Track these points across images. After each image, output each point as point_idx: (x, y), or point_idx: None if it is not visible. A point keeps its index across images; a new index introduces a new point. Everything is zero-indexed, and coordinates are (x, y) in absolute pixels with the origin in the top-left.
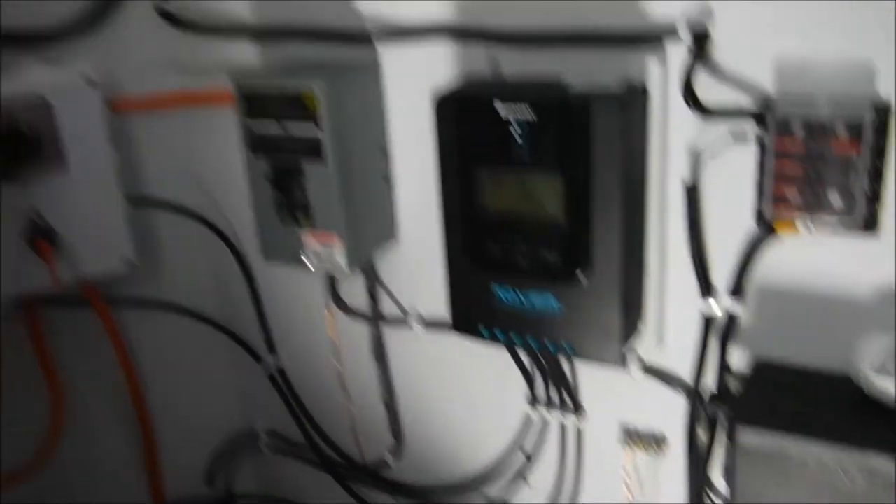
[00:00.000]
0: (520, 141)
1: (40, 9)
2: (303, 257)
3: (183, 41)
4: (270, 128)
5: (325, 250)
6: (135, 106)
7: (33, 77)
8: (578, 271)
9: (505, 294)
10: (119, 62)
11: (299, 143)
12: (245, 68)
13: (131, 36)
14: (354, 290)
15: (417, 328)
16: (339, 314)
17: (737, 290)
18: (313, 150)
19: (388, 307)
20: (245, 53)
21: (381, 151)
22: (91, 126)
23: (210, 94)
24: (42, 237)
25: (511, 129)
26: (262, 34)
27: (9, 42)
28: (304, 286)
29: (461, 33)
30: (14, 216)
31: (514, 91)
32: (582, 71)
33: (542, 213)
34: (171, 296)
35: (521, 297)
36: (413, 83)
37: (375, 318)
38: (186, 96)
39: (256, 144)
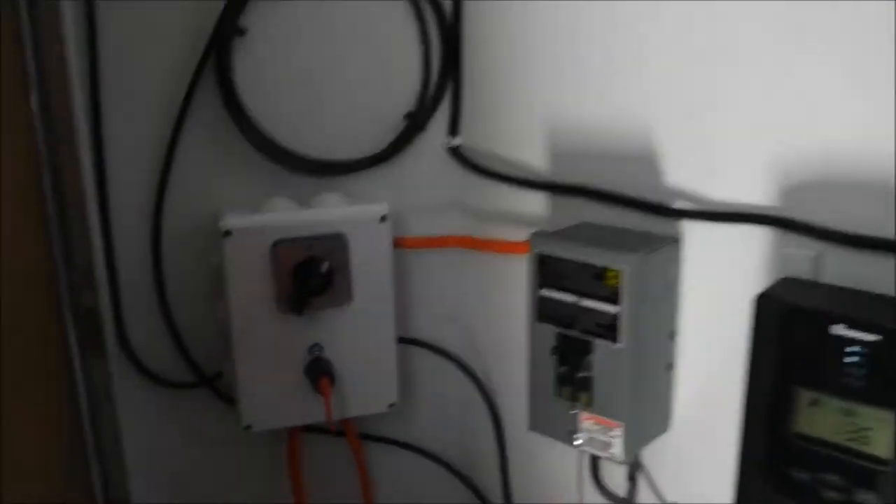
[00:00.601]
0: (854, 366)
1: (339, 142)
2: (574, 439)
3: (468, 182)
4: (563, 296)
5: (600, 434)
6: (415, 244)
7: (333, 212)
8: None
9: None
10: (406, 197)
11: (593, 317)
12: (531, 221)
13: (420, 172)
14: (611, 471)
15: None
16: (590, 492)
17: None
18: (607, 328)
19: (644, 495)
20: (531, 205)
21: (670, 336)
22: (379, 262)
23: (493, 242)
24: (325, 374)
25: (845, 350)
26: (555, 189)
27: (313, 174)
28: (557, 455)
29: (783, 224)
30: (298, 348)
31: (853, 306)
32: None
33: (867, 450)
34: (417, 435)
35: None
36: (715, 267)
37: None
38: (469, 240)
39: (545, 311)
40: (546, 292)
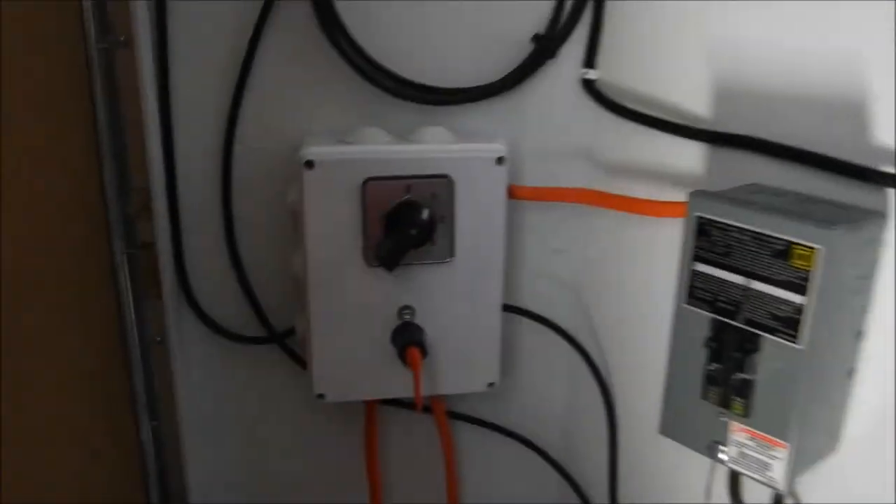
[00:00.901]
0: None
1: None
2: (719, 452)
3: (603, 125)
4: (728, 275)
5: (757, 452)
6: (532, 195)
7: (440, 148)
8: None
9: None
10: (524, 138)
11: (766, 306)
12: (680, 178)
13: (544, 109)
14: (750, 485)
15: None
16: None
17: None
18: (786, 321)
19: None
20: (683, 158)
21: (856, 336)
22: (490, 212)
23: (630, 200)
24: (415, 343)
25: None
26: (717, 139)
27: (415, 101)
28: (682, 459)
29: None
30: (385, 310)
31: None
32: None
33: None
34: (514, 418)
35: None
36: None
37: None
38: (598, 195)
39: (700, 292)
40: (703, 268)
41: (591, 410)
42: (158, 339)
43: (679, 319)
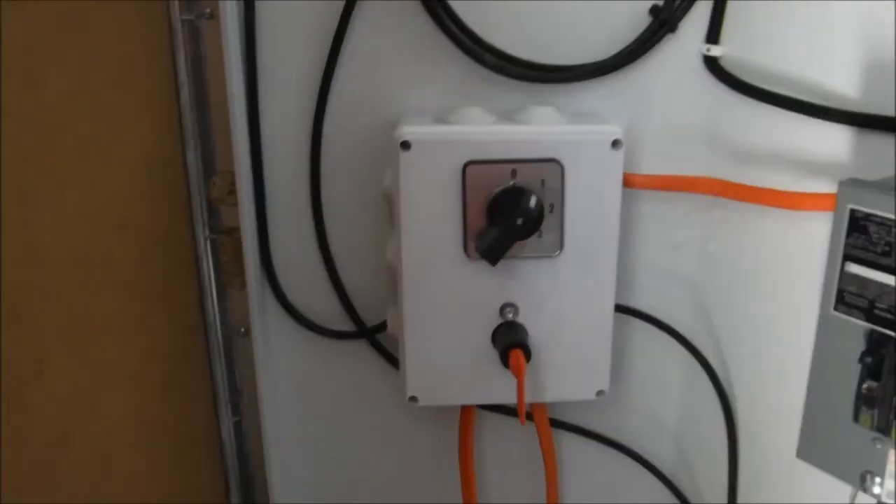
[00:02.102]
0: None
1: (558, 41)
2: (873, 484)
3: (728, 107)
4: (888, 278)
5: None
6: (649, 184)
7: (549, 129)
8: None
9: None
10: (639, 120)
11: None
12: (818, 166)
13: (662, 88)
14: None
15: None
16: None
17: None
18: None
19: None
20: (822, 144)
21: None
22: (604, 201)
23: (762, 191)
24: (518, 345)
25: None
26: (867, 122)
27: (522, 79)
28: (818, 485)
29: None
30: (486, 307)
31: None
32: None
33: None
34: (622, 429)
35: None
36: None
37: None
38: (724, 185)
39: (852, 298)
40: (857, 269)
41: (709, 424)
42: (242, 330)
43: (825, 329)
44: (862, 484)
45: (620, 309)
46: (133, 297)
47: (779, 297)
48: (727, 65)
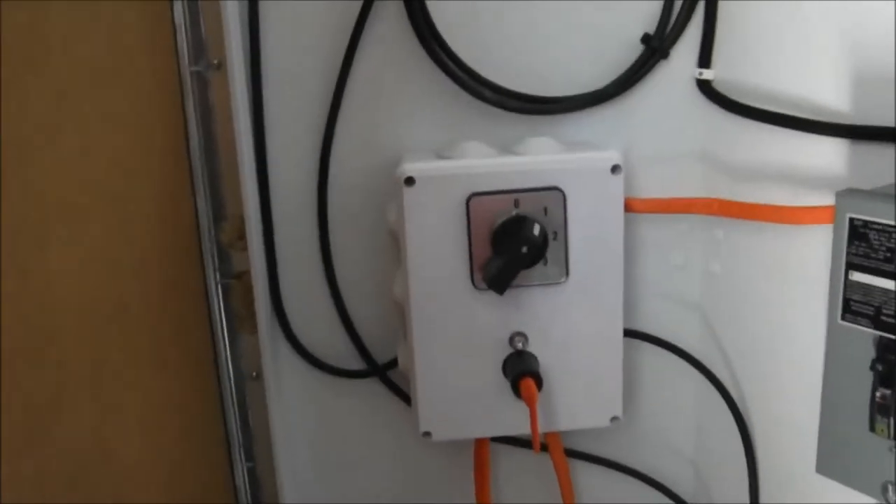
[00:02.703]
0: None
1: (553, 73)
2: (894, 494)
3: (721, 128)
4: (892, 284)
5: None
6: (649, 207)
7: (549, 159)
8: None
9: None
10: (635, 147)
11: None
12: (813, 180)
13: (655, 114)
14: None
15: None
16: None
17: None
18: None
19: None
20: (819, 157)
21: None
22: (607, 226)
23: (760, 207)
24: (529, 374)
25: None
26: (861, 134)
27: (520, 112)
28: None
29: None
30: (495, 338)
31: None
32: None
33: None
34: (638, 456)
35: None
36: None
37: None
38: (722, 204)
39: (858, 306)
40: (860, 277)
41: (725, 444)
42: (254, 374)
43: (834, 339)
44: (883, 495)
45: (628, 333)
46: (146, 343)
47: (785, 311)
48: (719, 87)
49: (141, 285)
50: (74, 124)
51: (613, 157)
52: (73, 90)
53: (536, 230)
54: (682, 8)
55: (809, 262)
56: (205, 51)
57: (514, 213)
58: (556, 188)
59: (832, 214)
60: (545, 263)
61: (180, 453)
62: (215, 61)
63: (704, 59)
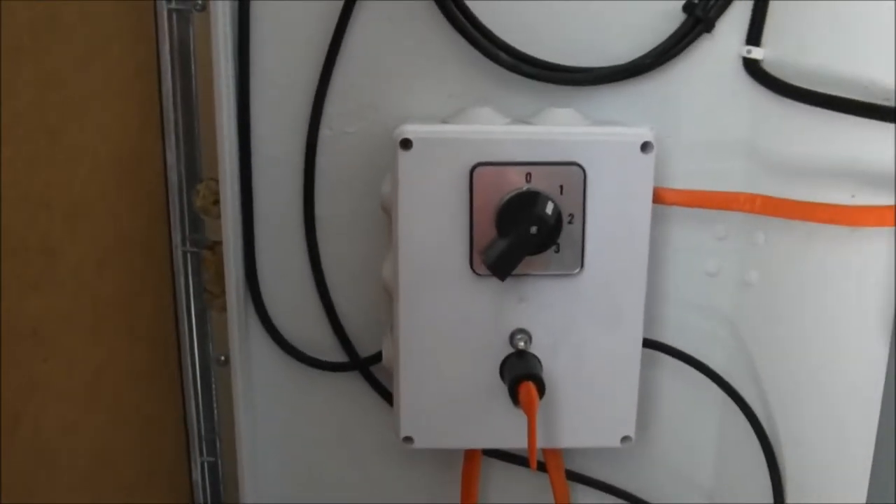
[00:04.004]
0: None
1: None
2: None
3: (772, 113)
4: None
5: None
6: (681, 199)
7: (569, 130)
8: None
9: None
10: (669, 128)
11: None
12: (871, 177)
13: (695, 93)
14: None
15: None
16: None
17: None
18: None
19: None
20: (886, 151)
21: None
22: (632, 212)
23: (810, 206)
24: (530, 377)
25: None
26: None
27: (542, 80)
28: None
29: None
30: (493, 333)
31: None
32: None
33: None
34: (650, 482)
35: None
36: None
37: None
38: (765, 201)
39: None
40: None
41: (749, 477)
42: (221, 358)
43: None
44: None
45: (647, 343)
46: (94, 315)
47: (833, 328)
48: (769, 68)
49: (92, 246)
50: (33, 55)
51: (644, 133)
52: (36, 15)
53: (549, 208)
54: None
55: (865, 273)
56: None
57: (524, 187)
58: (575, 164)
59: None
60: (557, 250)
61: (132, 446)
62: (199, 1)
63: (754, 36)
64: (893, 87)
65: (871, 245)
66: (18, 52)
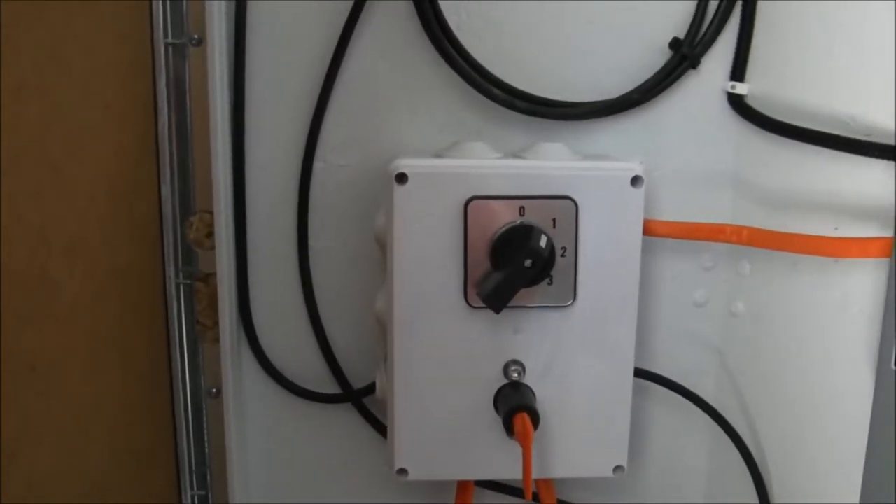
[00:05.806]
0: None
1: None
2: None
3: (756, 147)
4: None
5: None
6: (670, 231)
7: (561, 164)
8: None
9: None
10: (656, 162)
11: None
12: (859, 209)
13: (681, 127)
14: None
15: None
16: None
17: None
18: None
19: None
20: (869, 183)
21: None
22: (623, 245)
23: (797, 238)
24: (524, 409)
25: None
26: None
27: (532, 115)
28: None
29: None
30: (488, 365)
31: None
32: None
33: None
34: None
35: None
36: None
37: None
38: (753, 233)
39: None
40: None
41: (739, 502)
42: (213, 390)
43: (884, 388)
44: None
45: (639, 373)
46: (89, 346)
47: (817, 357)
48: (753, 102)
49: (87, 278)
50: (36, 88)
51: (635, 167)
52: (39, 52)
53: (543, 241)
54: (716, 11)
55: (852, 300)
56: (184, 23)
57: (518, 221)
58: (567, 197)
59: (886, 247)
60: (550, 283)
61: (122, 479)
62: (195, 36)
63: (738, 72)
64: (873, 122)
65: (854, 275)
66: (21, 90)
